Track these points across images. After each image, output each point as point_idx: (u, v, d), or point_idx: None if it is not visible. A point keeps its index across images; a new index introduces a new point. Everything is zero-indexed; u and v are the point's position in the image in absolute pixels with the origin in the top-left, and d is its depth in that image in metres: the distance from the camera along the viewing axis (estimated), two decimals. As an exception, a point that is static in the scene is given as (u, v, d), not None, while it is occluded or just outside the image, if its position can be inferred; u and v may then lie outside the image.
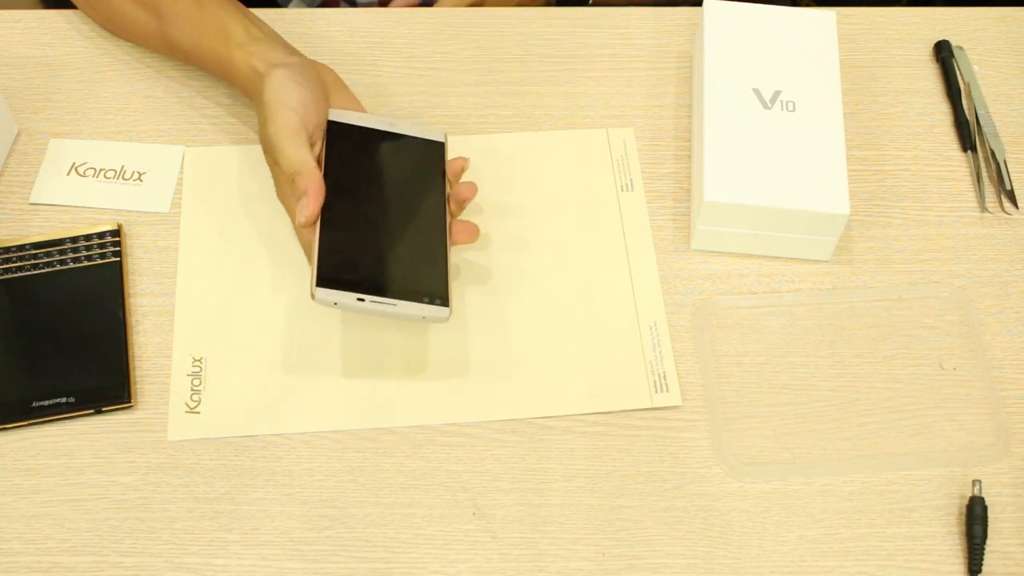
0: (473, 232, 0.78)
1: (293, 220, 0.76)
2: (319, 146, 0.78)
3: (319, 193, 0.74)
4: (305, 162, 0.75)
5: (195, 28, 0.84)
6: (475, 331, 0.78)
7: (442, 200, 0.77)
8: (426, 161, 0.79)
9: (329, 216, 0.74)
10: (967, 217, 0.85)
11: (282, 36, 0.86)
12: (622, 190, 0.85)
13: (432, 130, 0.81)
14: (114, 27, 0.91)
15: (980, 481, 0.73)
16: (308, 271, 0.80)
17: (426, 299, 0.72)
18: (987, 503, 0.72)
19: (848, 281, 0.82)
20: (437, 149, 0.80)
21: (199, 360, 0.77)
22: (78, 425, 0.74)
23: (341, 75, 0.84)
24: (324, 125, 0.79)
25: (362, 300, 0.71)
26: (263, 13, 0.92)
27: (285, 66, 0.79)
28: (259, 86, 0.79)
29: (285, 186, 0.76)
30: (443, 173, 0.79)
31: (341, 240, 0.73)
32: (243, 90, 0.83)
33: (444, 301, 0.73)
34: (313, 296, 0.71)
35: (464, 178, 0.80)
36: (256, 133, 0.87)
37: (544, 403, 0.76)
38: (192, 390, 0.75)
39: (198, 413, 0.75)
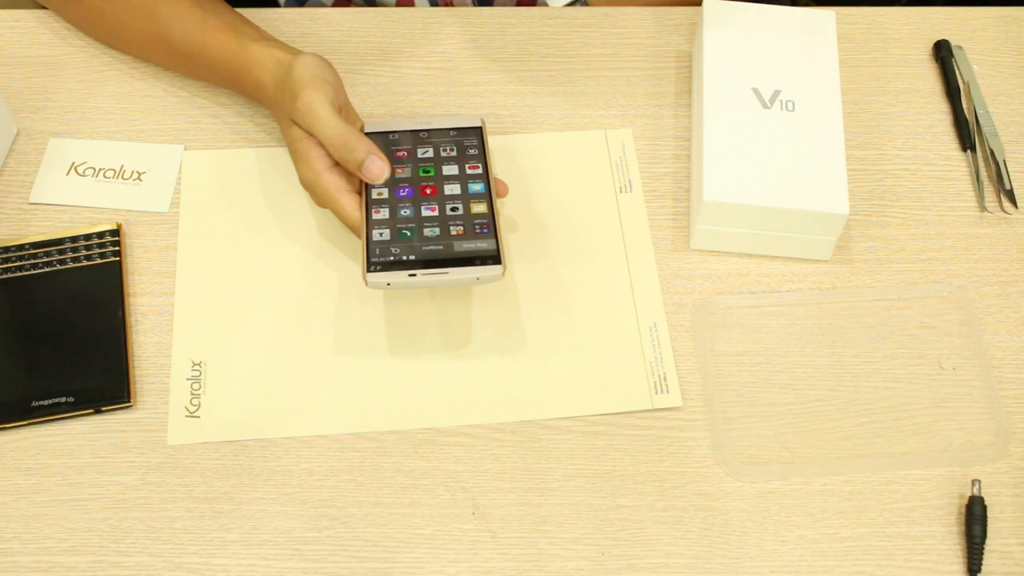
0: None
1: (339, 206, 0.77)
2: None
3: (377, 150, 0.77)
4: (353, 126, 0.78)
5: (197, 26, 0.83)
6: (474, 333, 0.78)
7: (486, 174, 0.79)
8: (465, 145, 0.81)
9: (375, 207, 0.76)
10: (966, 217, 0.85)
11: (281, 36, 0.86)
12: (621, 191, 0.85)
13: (467, 117, 0.83)
14: (109, 36, 0.90)
15: (979, 481, 0.73)
16: (310, 271, 0.80)
17: (477, 261, 0.73)
18: (986, 503, 0.72)
19: (848, 281, 0.82)
20: (475, 133, 0.81)
21: (199, 364, 0.76)
22: (78, 425, 0.74)
23: (341, 75, 0.84)
24: (348, 107, 0.81)
25: (413, 275, 0.72)
26: (263, 13, 0.92)
27: (309, 54, 0.80)
28: (279, 72, 0.79)
29: (314, 161, 0.77)
30: (483, 151, 0.80)
31: (388, 225, 0.75)
32: (255, 82, 0.82)
33: (496, 260, 0.73)
34: (366, 283, 0.72)
35: None
36: (255, 134, 0.87)
37: (544, 406, 0.76)
38: (192, 394, 0.75)
39: (198, 418, 0.74)
